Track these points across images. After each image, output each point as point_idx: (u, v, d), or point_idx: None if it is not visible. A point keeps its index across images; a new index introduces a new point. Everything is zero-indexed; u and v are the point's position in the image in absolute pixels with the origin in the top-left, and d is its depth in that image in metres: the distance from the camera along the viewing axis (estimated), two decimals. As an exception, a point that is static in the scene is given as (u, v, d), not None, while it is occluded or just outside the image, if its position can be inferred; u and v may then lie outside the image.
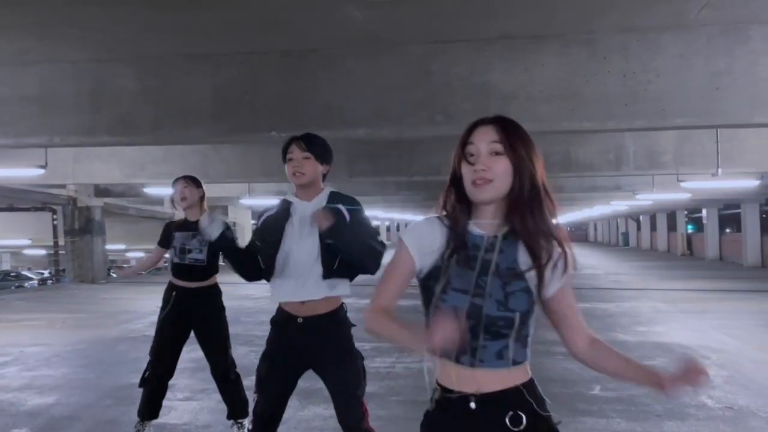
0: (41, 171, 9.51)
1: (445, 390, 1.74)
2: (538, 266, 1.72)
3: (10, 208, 19.27)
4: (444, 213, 1.81)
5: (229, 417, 4.25)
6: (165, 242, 4.32)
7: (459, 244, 1.74)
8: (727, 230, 32.86)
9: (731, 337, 8.76)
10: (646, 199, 18.41)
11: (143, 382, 4.18)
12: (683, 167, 10.54)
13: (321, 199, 2.98)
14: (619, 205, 26.43)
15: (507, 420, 1.71)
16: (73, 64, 6.16)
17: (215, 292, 4.20)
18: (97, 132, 6.21)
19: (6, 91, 6.23)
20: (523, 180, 1.72)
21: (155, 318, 4.31)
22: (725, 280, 17.51)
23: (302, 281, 2.90)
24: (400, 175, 11.15)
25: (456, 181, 1.78)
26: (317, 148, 3.03)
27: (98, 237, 16.27)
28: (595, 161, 10.61)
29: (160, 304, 4.22)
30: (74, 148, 10.80)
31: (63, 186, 15.48)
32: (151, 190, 13.38)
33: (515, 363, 1.72)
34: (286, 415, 3.15)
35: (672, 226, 36.36)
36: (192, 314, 4.12)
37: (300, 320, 2.90)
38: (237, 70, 6.07)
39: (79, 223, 16.09)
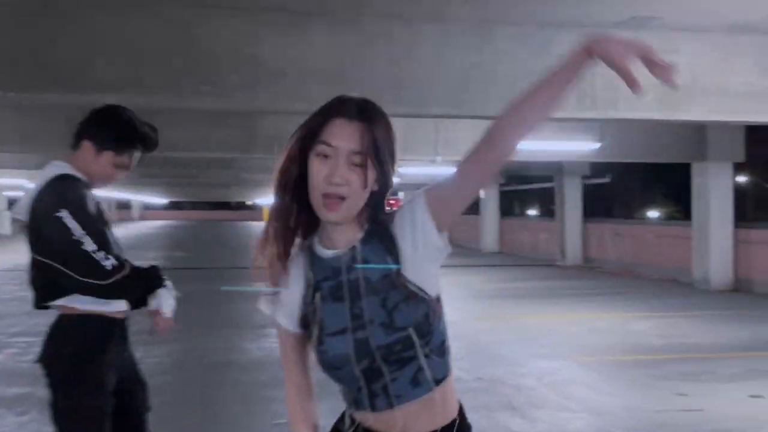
0: None
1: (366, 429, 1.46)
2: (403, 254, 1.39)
3: None
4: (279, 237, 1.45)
5: None
6: None
7: (310, 276, 1.43)
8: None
9: (454, 309, 9.51)
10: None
11: None
12: (408, 153, 11.23)
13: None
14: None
15: None
16: None
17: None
18: None
19: None
20: (385, 186, 1.41)
21: None
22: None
23: None
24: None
25: (293, 183, 1.41)
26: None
27: None
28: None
29: None
30: None
31: None
32: None
33: (438, 381, 1.41)
34: None
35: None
36: None
37: None
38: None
39: None
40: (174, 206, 65.15)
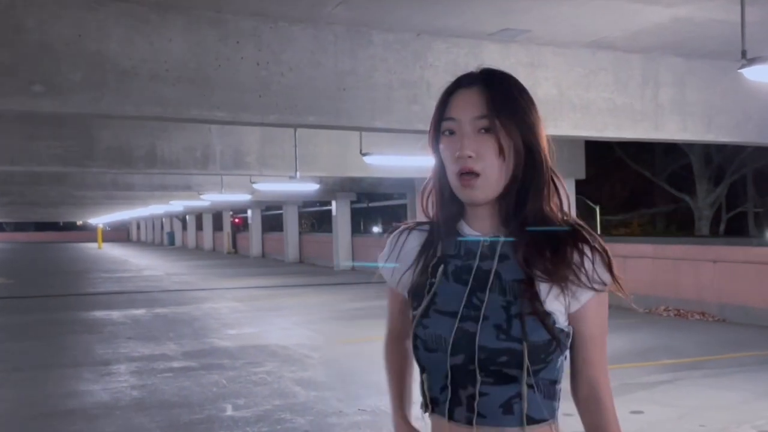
0: None
1: None
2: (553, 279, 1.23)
3: None
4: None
5: None
6: None
7: (444, 250, 1.29)
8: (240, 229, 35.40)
9: (316, 332, 9.14)
10: (211, 199, 18.42)
11: None
12: (266, 169, 10.68)
13: None
14: (176, 205, 26.10)
15: None
16: None
17: None
18: None
19: None
20: (532, 165, 1.25)
21: None
22: (278, 276, 18.65)
23: None
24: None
25: (439, 171, 1.31)
26: None
27: None
28: (182, 158, 9.97)
29: None
30: None
31: None
32: None
33: (532, 421, 1.20)
34: None
35: (218, 226, 37.62)
36: None
37: None
38: None
39: None
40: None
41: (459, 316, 1.21)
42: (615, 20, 5.72)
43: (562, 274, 1.20)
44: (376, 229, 31.87)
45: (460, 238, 1.28)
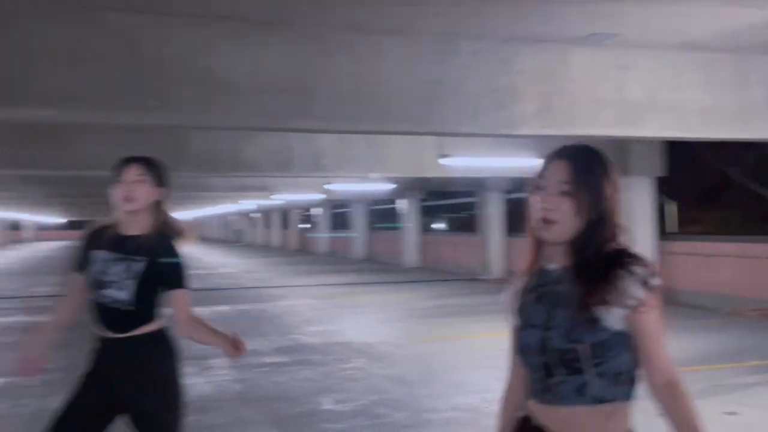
0: None
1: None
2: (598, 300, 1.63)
3: None
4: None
5: None
6: (82, 265, 2.84)
7: (535, 281, 1.77)
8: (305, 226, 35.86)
9: (396, 330, 9.35)
10: (281, 199, 18.90)
11: None
12: (342, 170, 10.94)
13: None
14: (247, 204, 26.82)
15: None
16: None
17: (153, 344, 2.81)
18: None
19: None
20: (596, 220, 1.67)
21: None
22: (348, 274, 18.96)
23: None
24: (43, 168, 9.29)
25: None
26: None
27: None
28: (264, 162, 10.34)
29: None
30: None
31: None
32: None
33: (600, 401, 1.62)
34: None
35: (285, 223, 38.35)
36: (113, 382, 2.76)
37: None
38: None
39: None
40: (73, 226, 62.20)
41: (541, 327, 1.67)
42: (707, 22, 5.69)
43: (601, 296, 1.59)
44: (438, 226, 31.87)
45: (546, 270, 1.73)
